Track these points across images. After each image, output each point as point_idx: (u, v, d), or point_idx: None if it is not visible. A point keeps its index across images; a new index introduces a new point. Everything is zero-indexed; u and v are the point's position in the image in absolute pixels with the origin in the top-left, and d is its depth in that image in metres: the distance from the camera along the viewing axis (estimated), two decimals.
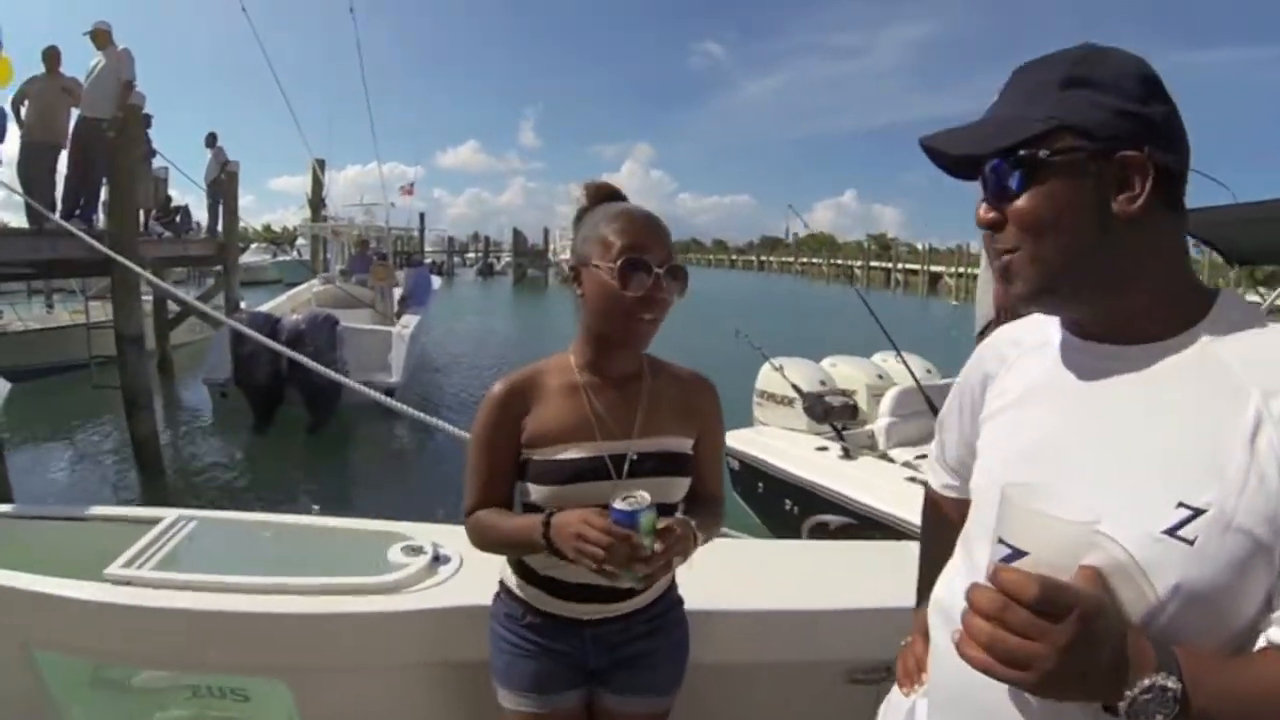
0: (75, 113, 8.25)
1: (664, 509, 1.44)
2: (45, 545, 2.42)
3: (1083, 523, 0.79)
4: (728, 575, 2.14)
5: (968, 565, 1.07)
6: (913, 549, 2.42)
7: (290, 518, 2.50)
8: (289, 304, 13.17)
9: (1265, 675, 0.82)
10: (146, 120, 11.42)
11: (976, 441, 1.14)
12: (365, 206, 18.64)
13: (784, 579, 2.22)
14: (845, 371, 6.35)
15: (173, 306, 12.58)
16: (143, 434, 7.88)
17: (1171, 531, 0.83)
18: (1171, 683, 0.77)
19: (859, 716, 1.59)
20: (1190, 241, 3.81)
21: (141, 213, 11.49)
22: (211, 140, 13.61)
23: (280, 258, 33.62)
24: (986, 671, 0.78)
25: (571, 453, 1.46)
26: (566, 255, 1.58)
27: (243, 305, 12.96)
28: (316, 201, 19.16)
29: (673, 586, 1.66)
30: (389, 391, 9.85)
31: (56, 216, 7.42)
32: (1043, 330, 1.08)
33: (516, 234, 58.87)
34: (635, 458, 1.47)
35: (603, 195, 1.54)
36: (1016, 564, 0.79)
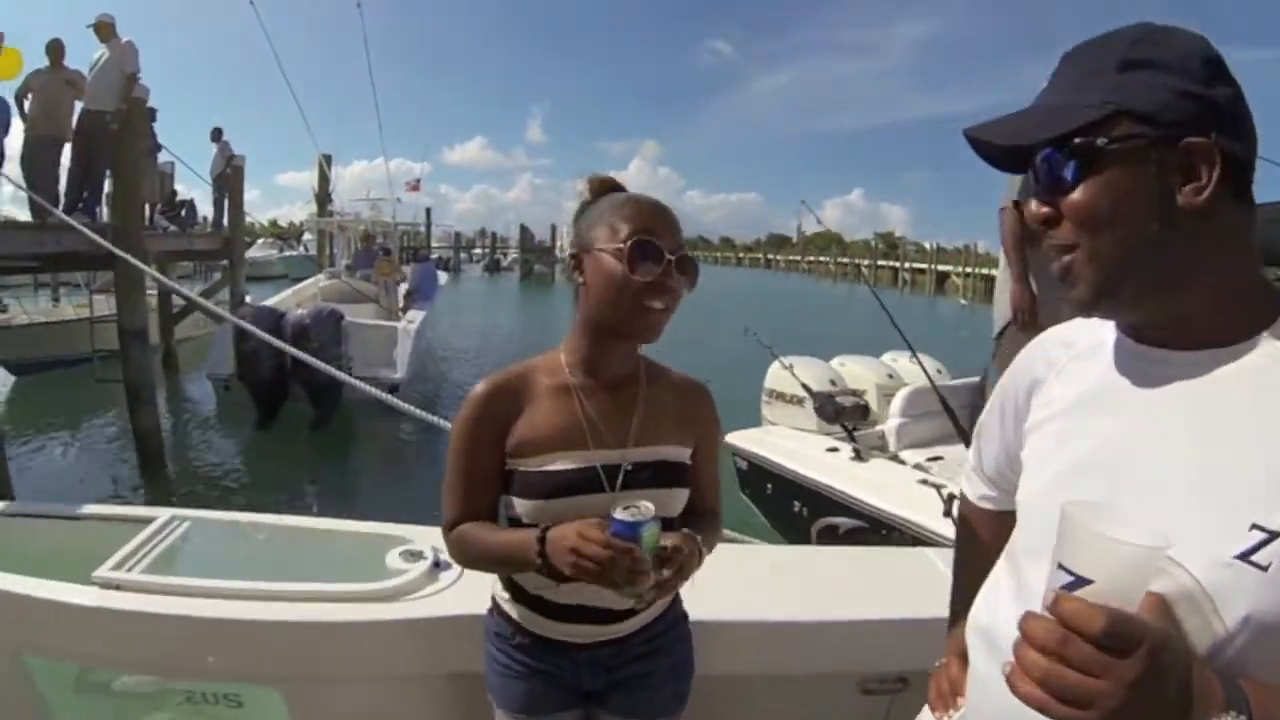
0: (79, 106, 8.21)
1: (662, 524, 1.36)
2: (36, 545, 2.39)
3: (1153, 547, 0.70)
4: (735, 583, 2.07)
5: (1016, 587, 0.99)
6: (927, 556, 2.40)
7: (287, 519, 2.43)
8: (294, 299, 13.12)
9: None
10: (151, 114, 11.40)
11: (1020, 451, 1.07)
12: (371, 202, 18.60)
13: (794, 587, 2.15)
14: (855, 371, 6.25)
15: (178, 301, 12.54)
16: (145, 428, 7.82)
17: (1244, 556, 0.76)
18: None
19: None
20: None
21: (146, 206, 11.49)
22: (217, 134, 13.60)
23: (287, 253, 33.67)
24: (1042, 709, 0.70)
25: (561, 462, 1.35)
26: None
27: (248, 300, 12.95)
28: (323, 196, 19.18)
29: (676, 602, 1.56)
30: (393, 387, 9.96)
31: (60, 210, 7.37)
32: (1096, 332, 1.00)
33: (523, 230, 58.94)
34: (630, 468, 1.37)
35: (606, 188, 1.45)
36: (1080, 592, 0.71)
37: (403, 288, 14.91)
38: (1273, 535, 0.75)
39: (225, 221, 13.62)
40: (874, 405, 5.76)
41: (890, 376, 6.28)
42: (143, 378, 7.89)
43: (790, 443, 5.17)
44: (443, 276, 20.05)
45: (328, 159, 19.00)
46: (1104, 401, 0.94)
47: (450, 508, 1.41)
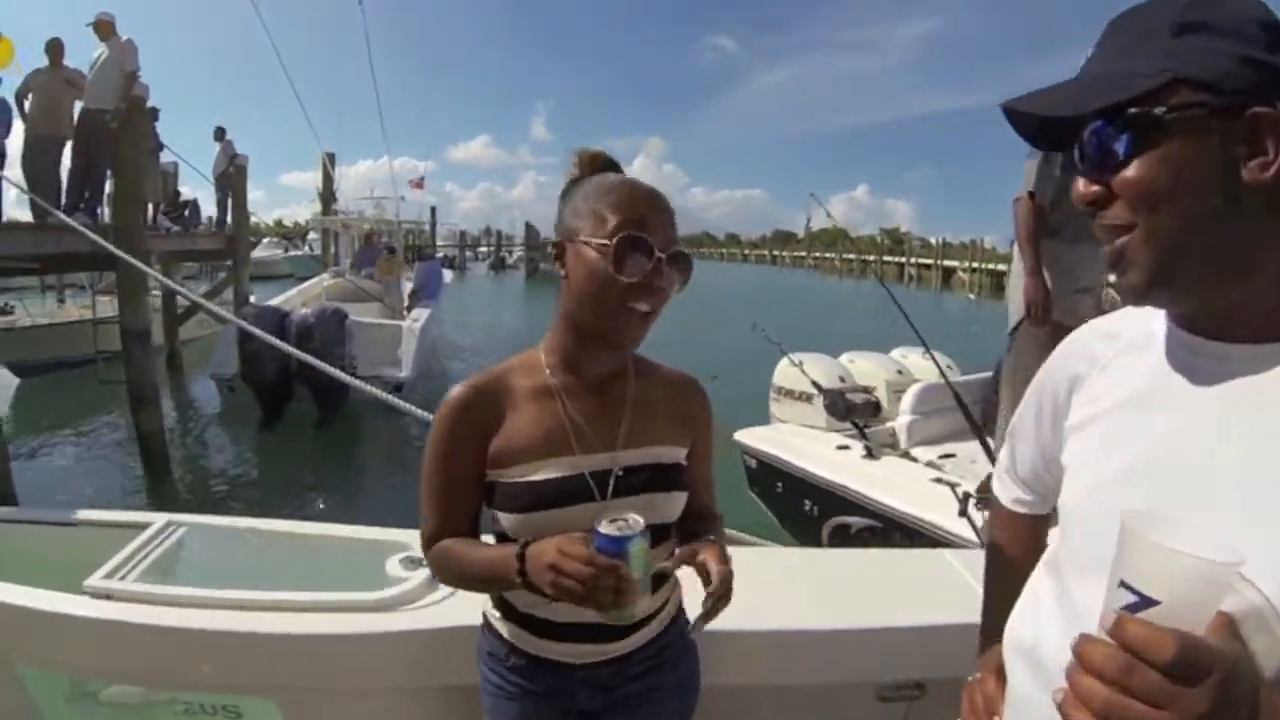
0: (80, 105, 8.16)
1: (658, 530, 1.26)
2: (29, 552, 2.35)
3: (1227, 564, 0.62)
4: (744, 589, 1.96)
5: (1061, 603, 0.91)
6: (945, 558, 2.32)
7: (285, 524, 2.37)
8: (299, 298, 13.10)
9: None
10: (153, 113, 11.40)
11: (1059, 453, 1.00)
12: (375, 200, 18.56)
13: (806, 592, 2.07)
14: (864, 367, 6.20)
15: (182, 301, 12.50)
16: (148, 429, 7.77)
17: None
18: None
19: None
20: None
21: (150, 206, 11.47)
22: (220, 134, 13.57)
23: (292, 252, 33.68)
24: None
25: (546, 471, 1.23)
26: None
27: (252, 299, 12.92)
28: (327, 195, 19.16)
29: (680, 613, 1.45)
30: (398, 386, 9.93)
31: (61, 210, 7.32)
32: (1144, 323, 0.92)
33: (529, 228, 58.81)
34: (621, 474, 1.26)
35: (598, 165, 1.31)
36: (1145, 614, 0.63)
37: (407, 286, 14.87)
38: None
39: (229, 221, 13.56)
40: (884, 402, 5.69)
41: (900, 372, 6.23)
42: (145, 379, 7.85)
43: (800, 440, 5.09)
44: (448, 274, 20.03)
45: (331, 158, 18.99)
46: (1155, 399, 0.86)
47: (428, 523, 1.30)
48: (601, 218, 1.19)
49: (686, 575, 1.36)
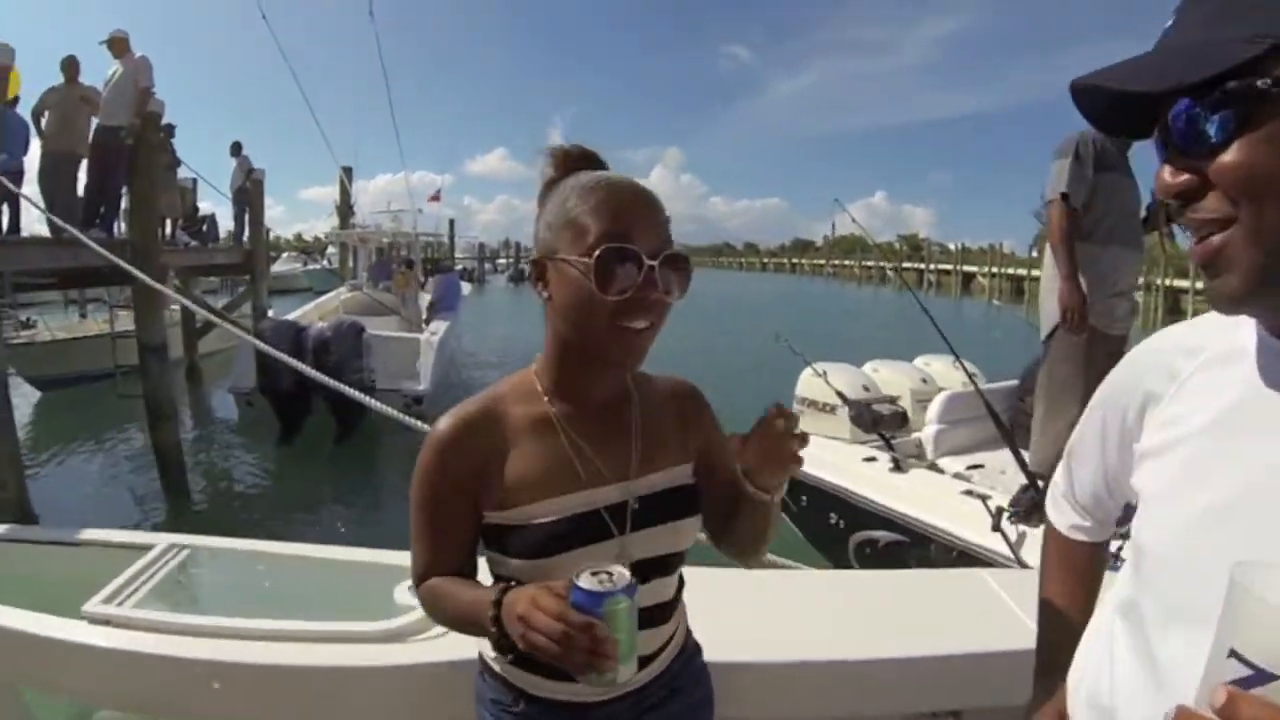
0: (95, 122, 8.18)
1: (670, 561, 1.17)
2: (32, 572, 2.33)
3: None
4: (767, 616, 1.89)
5: (1141, 658, 0.79)
6: (981, 578, 2.20)
7: (291, 547, 2.29)
8: (316, 312, 13.12)
9: None
10: (170, 130, 11.43)
11: (1129, 478, 0.89)
12: (393, 213, 18.59)
13: (834, 619, 1.94)
14: (888, 376, 6.07)
15: (202, 315, 12.52)
16: (165, 444, 7.76)
17: None
18: None
19: None
20: None
21: (168, 222, 11.52)
22: (237, 149, 13.62)
23: (310, 266, 33.87)
24: None
25: (555, 510, 1.11)
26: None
27: (270, 313, 12.93)
28: (344, 209, 19.23)
29: (689, 635, 1.33)
30: (418, 399, 9.89)
31: (78, 226, 7.33)
32: (1229, 334, 0.80)
33: None
34: (638, 505, 1.14)
35: (573, 162, 1.16)
36: (1260, 690, 0.51)
37: (425, 299, 14.85)
38: None
39: (246, 235, 13.59)
40: (909, 411, 5.57)
41: (924, 381, 6.11)
42: (162, 393, 7.83)
43: (825, 453, 4.95)
44: (466, 287, 20.03)
45: (348, 172, 19.07)
46: (1251, 422, 0.74)
47: (417, 560, 1.18)
48: (580, 229, 1.06)
49: (694, 601, 1.29)
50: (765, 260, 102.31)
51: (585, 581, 0.93)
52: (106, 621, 1.81)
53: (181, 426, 9.27)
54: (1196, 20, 0.71)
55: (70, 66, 8.21)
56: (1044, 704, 1.06)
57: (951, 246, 64.40)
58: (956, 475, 4.74)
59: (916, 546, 4.02)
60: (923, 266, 60.32)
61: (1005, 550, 3.43)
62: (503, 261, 66.84)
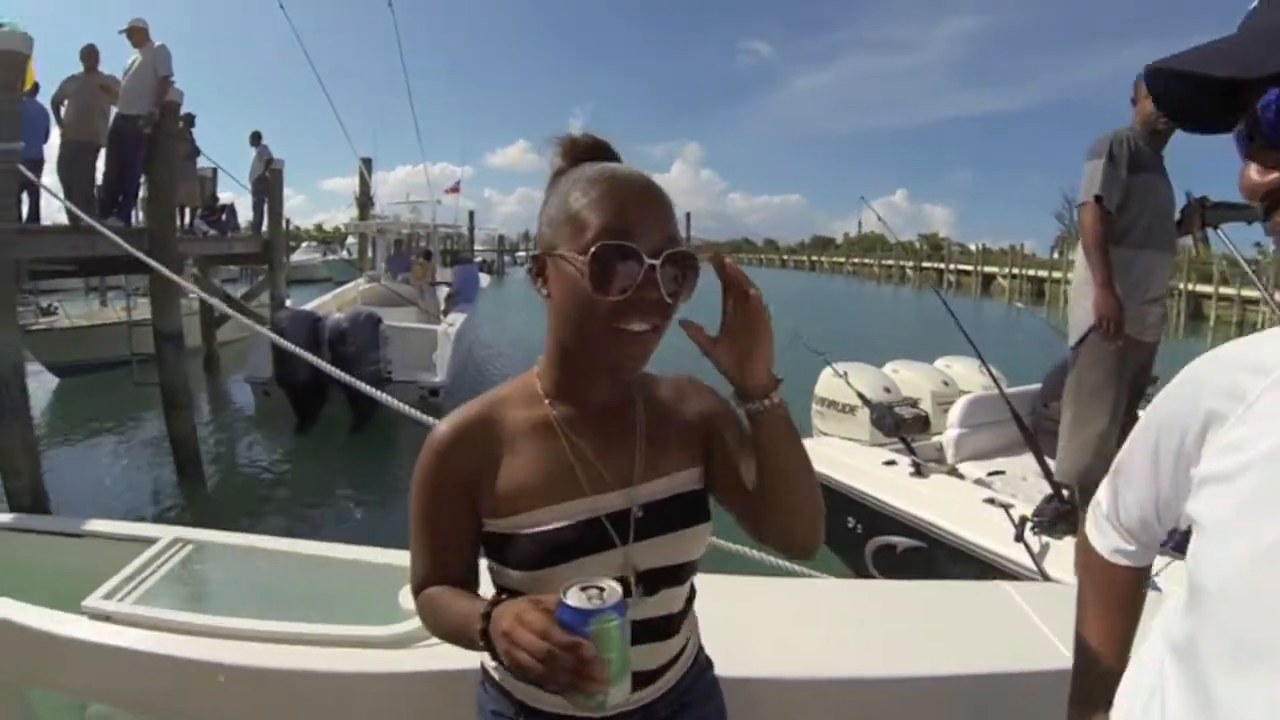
0: (115, 111, 8.16)
1: (680, 570, 1.10)
2: (35, 563, 2.35)
3: None
4: (776, 626, 1.82)
5: (1200, 704, 0.73)
6: (1005, 592, 2.12)
7: (296, 544, 2.27)
8: (334, 302, 13.15)
9: None
10: (189, 119, 11.46)
11: (1183, 503, 0.83)
12: (411, 204, 18.63)
13: (855, 632, 1.88)
14: (908, 377, 6.00)
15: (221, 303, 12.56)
16: (180, 432, 7.76)
17: None
18: None
19: None
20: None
21: (187, 211, 11.55)
22: (256, 138, 13.65)
23: (330, 256, 34.03)
24: None
25: (554, 518, 1.05)
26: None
27: (288, 303, 12.95)
28: (364, 200, 19.29)
29: (700, 651, 1.26)
30: (434, 390, 9.88)
31: (96, 214, 7.34)
32: None
33: None
34: (641, 513, 1.08)
35: (583, 152, 1.09)
36: None
37: (443, 290, 14.85)
38: None
39: (265, 225, 13.61)
40: (930, 413, 5.49)
41: (945, 383, 6.04)
42: (178, 381, 7.84)
43: (844, 455, 4.87)
44: (485, 279, 20.04)
45: (368, 163, 19.13)
46: None
47: (415, 569, 1.14)
48: (578, 224, 0.99)
49: (704, 611, 1.21)
50: (785, 257, 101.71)
51: (573, 598, 0.87)
52: (107, 618, 1.79)
53: (198, 415, 9.32)
54: None
55: (90, 55, 8.20)
56: None
57: (972, 247, 63.95)
58: (977, 481, 4.67)
59: (935, 554, 3.95)
60: (943, 266, 59.90)
61: (1027, 561, 3.35)
62: (522, 254, 67.01)
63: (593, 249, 0.96)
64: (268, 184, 13.37)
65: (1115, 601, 1.06)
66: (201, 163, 12.40)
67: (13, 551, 2.36)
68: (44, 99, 8.44)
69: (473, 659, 1.52)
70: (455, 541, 1.11)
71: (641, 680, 1.10)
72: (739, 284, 0.99)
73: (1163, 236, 3.29)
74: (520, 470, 1.08)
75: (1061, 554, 3.39)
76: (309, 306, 11.59)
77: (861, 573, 4.24)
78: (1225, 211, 3.28)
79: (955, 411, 5.30)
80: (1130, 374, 3.28)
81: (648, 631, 1.08)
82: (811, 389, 5.75)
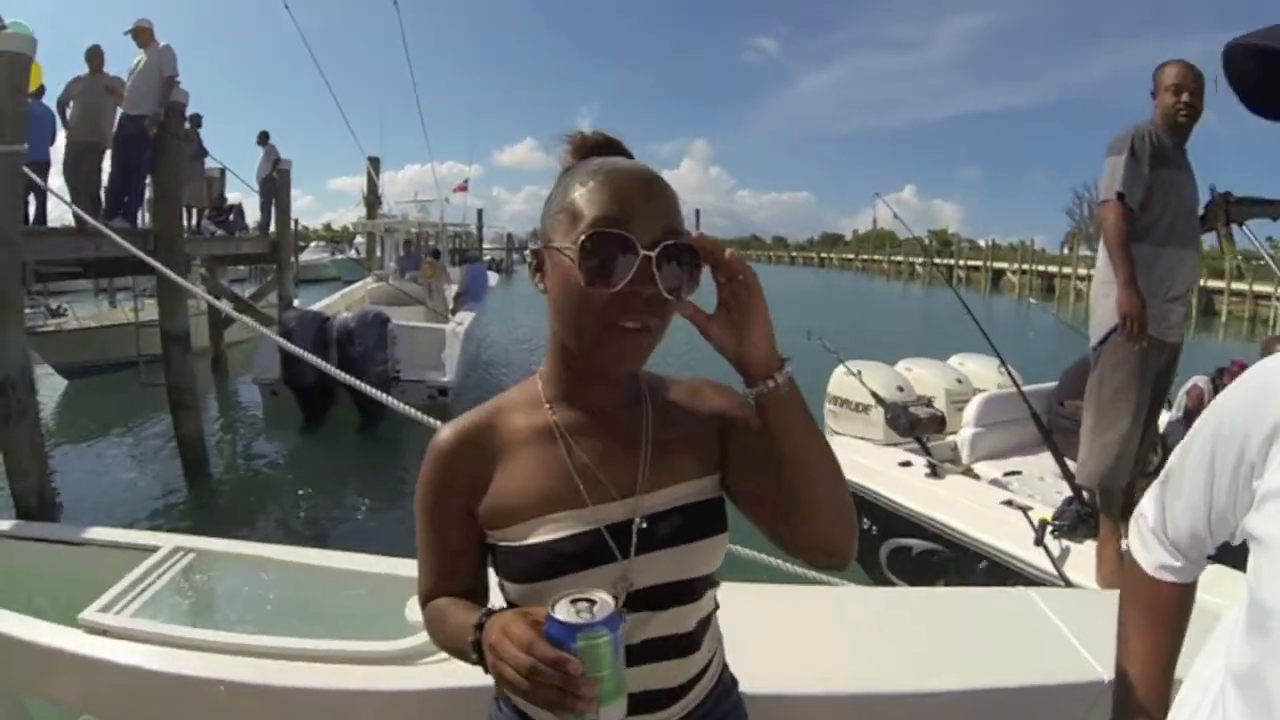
0: (120, 112, 8.15)
1: (691, 586, 1.03)
2: (34, 572, 2.33)
3: None
4: (800, 640, 1.78)
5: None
6: (1030, 599, 2.07)
7: (301, 553, 2.22)
8: (342, 302, 13.15)
9: None
10: (196, 120, 11.45)
11: (1241, 517, 0.80)
12: (419, 203, 18.61)
13: (878, 643, 1.84)
14: (922, 375, 5.94)
15: (229, 304, 12.54)
16: (188, 433, 7.74)
17: None
18: None
19: None
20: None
21: (195, 211, 11.54)
22: (264, 138, 13.64)
23: (338, 256, 34.12)
24: None
25: (552, 529, 0.99)
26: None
27: (296, 303, 12.94)
28: (372, 200, 19.29)
29: (724, 669, 1.18)
30: (443, 390, 9.84)
31: (102, 215, 7.33)
32: None
33: None
34: (644, 524, 1.01)
35: (592, 148, 1.04)
36: None
37: (452, 289, 14.82)
38: None
39: (272, 225, 13.60)
40: (944, 412, 5.42)
41: (959, 381, 5.99)
42: (185, 382, 7.82)
43: (859, 456, 4.80)
44: (493, 278, 20.04)
45: (375, 163, 19.10)
46: None
47: (422, 580, 1.10)
48: (574, 215, 0.94)
49: (722, 621, 1.14)
50: (794, 254, 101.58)
51: (561, 611, 0.82)
52: (104, 631, 1.76)
53: (206, 416, 9.33)
54: None
55: (95, 56, 8.17)
56: None
57: (981, 243, 63.69)
58: (994, 482, 4.61)
59: (952, 557, 3.88)
60: (952, 262, 59.77)
61: (1047, 565, 3.29)
62: (528, 251, 67.30)
63: (584, 238, 0.91)
64: (275, 184, 13.36)
65: (1160, 619, 1.01)
66: (209, 163, 12.42)
67: (11, 559, 2.34)
68: (49, 100, 8.41)
69: (479, 677, 1.46)
70: (461, 551, 1.06)
71: (663, 700, 1.05)
72: (727, 266, 0.92)
73: (1186, 233, 3.21)
74: (519, 479, 1.03)
75: (1081, 557, 3.34)
76: (317, 306, 11.58)
77: (876, 575, 4.18)
78: (1251, 207, 3.20)
79: (970, 410, 5.24)
80: (1153, 375, 3.20)
81: (663, 649, 1.02)
82: (824, 387, 5.68)
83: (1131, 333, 3.00)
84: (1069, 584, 3.18)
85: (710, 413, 1.11)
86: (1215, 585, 1.19)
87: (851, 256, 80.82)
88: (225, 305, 6.89)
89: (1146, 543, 1.03)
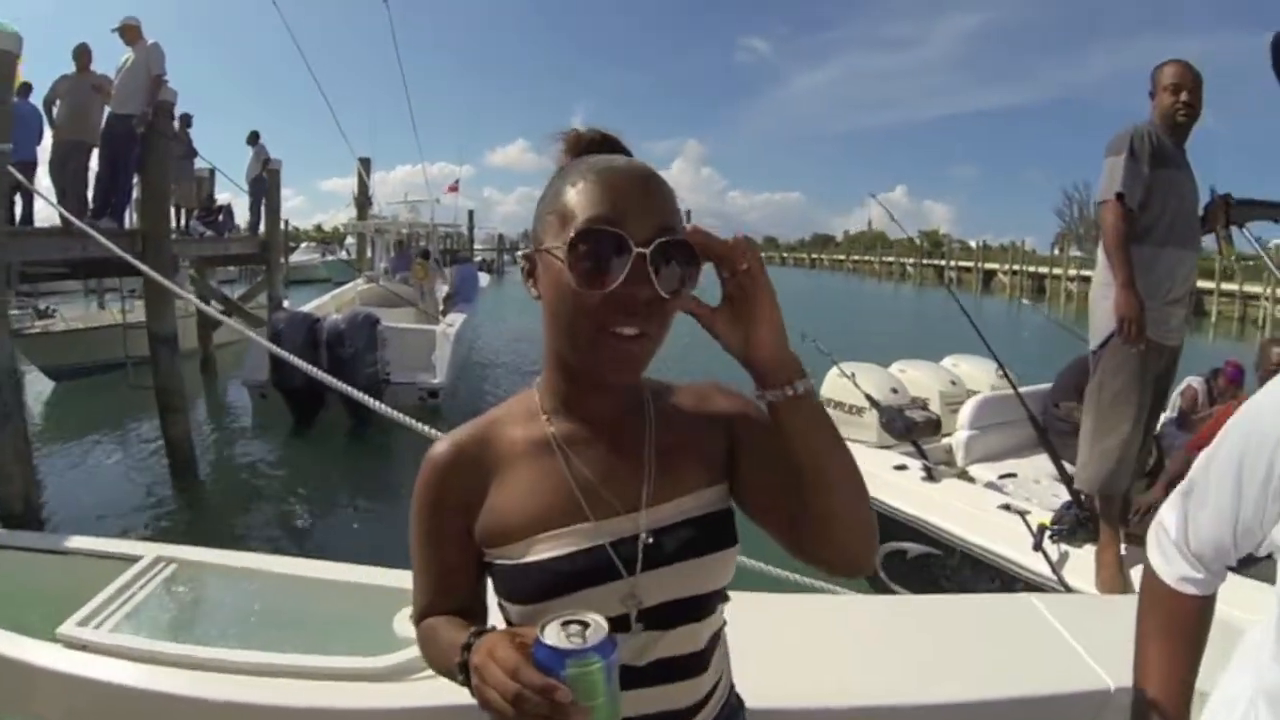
0: (108, 111, 8.07)
1: (701, 603, 0.98)
2: (11, 584, 2.24)
3: None
4: (799, 651, 1.74)
5: None
6: (1032, 605, 2.04)
7: (286, 563, 2.18)
8: (333, 303, 13.09)
9: None
10: (187, 120, 11.42)
11: (1275, 531, 0.79)
12: (410, 204, 18.57)
13: (883, 653, 1.81)
14: (916, 377, 5.92)
15: (218, 305, 12.47)
16: (176, 435, 7.70)
17: None
18: None
19: None
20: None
21: (184, 212, 11.46)
22: (254, 138, 13.58)
23: (329, 257, 34.02)
24: None
25: (552, 547, 0.94)
26: None
27: (286, 304, 12.88)
28: (362, 200, 19.28)
29: (731, 689, 1.11)
30: (433, 392, 9.79)
31: (89, 215, 7.30)
32: None
33: None
34: (651, 540, 0.95)
35: (588, 146, 0.99)
36: None
37: (443, 290, 14.78)
38: None
39: (262, 226, 13.53)
40: (938, 414, 5.40)
41: (953, 383, 5.98)
42: (173, 384, 7.76)
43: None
44: (484, 278, 20.01)
45: (366, 163, 19.08)
46: None
47: (417, 599, 1.04)
48: (565, 215, 0.89)
49: (729, 639, 1.07)
50: (785, 255, 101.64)
51: (550, 635, 0.76)
52: (83, 647, 1.70)
53: (195, 418, 9.25)
54: None
55: (82, 54, 8.10)
56: None
57: (972, 243, 63.92)
58: (989, 485, 4.58)
59: (948, 560, 3.85)
60: (943, 263, 59.93)
61: (1044, 570, 3.26)
62: (520, 253, 67.47)
63: (574, 235, 0.86)
64: (265, 184, 13.29)
65: (1180, 632, 0.99)
66: (199, 163, 12.35)
67: None
68: (37, 100, 8.34)
69: (462, 696, 1.43)
70: (457, 569, 1.00)
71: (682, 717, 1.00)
72: (728, 257, 0.87)
73: (1186, 234, 3.17)
74: (516, 495, 0.97)
75: (1079, 562, 3.32)
76: (307, 308, 11.52)
77: (871, 579, 4.14)
78: (1251, 209, 3.18)
79: (965, 412, 5.22)
80: (1153, 379, 3.17)
81: (673, 670, 0.97)
82: (818, 390, 5.65)
83: (1129, 335, 2.96)
84: (1068, 588, 3.15)
85: (716, 418, 1.06)
86: (1232, 595, 1.16)
87: (843, 258, 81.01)
88: (212, 310, 6.81)
89: (1167, 555, 1.00)
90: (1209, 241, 3.34)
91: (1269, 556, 0.88)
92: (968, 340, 5.08)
